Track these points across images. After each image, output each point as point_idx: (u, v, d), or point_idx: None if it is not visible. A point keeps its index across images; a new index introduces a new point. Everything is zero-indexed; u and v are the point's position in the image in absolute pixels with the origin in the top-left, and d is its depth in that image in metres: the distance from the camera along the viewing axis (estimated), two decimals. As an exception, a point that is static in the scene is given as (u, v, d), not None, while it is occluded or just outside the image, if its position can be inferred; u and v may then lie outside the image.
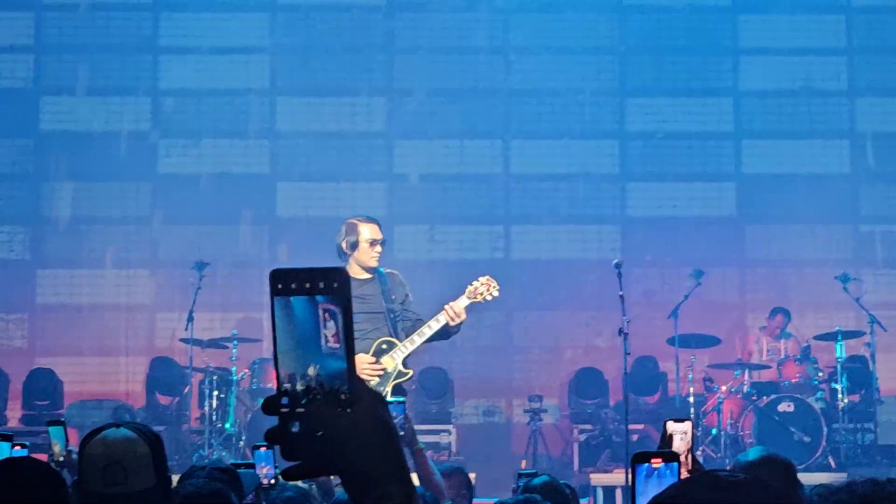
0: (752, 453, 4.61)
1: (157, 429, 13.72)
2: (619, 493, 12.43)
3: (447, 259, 15.48)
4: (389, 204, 15.64)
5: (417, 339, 8.54)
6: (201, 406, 13.50)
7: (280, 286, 1.83)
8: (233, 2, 15.79)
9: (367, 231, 8.74)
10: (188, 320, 13.19)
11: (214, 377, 13.27)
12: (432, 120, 15.77)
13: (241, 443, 12.72)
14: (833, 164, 15.79)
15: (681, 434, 4.15)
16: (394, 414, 5.90)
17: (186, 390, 13.75)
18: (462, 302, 8.48)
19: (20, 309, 15.41)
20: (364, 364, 8.44)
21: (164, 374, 14.36)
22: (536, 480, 5.69)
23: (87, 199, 15.49)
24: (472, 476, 12.23)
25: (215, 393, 13.22)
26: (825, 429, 13.02)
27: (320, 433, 1.81)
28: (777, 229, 15.70)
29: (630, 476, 3.00)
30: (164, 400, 14.35)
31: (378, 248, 8.75)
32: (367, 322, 8.56)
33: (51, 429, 5.44)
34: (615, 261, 10.71)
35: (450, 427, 14.09)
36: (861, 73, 15.87)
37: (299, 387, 1.82)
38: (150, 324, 15.39)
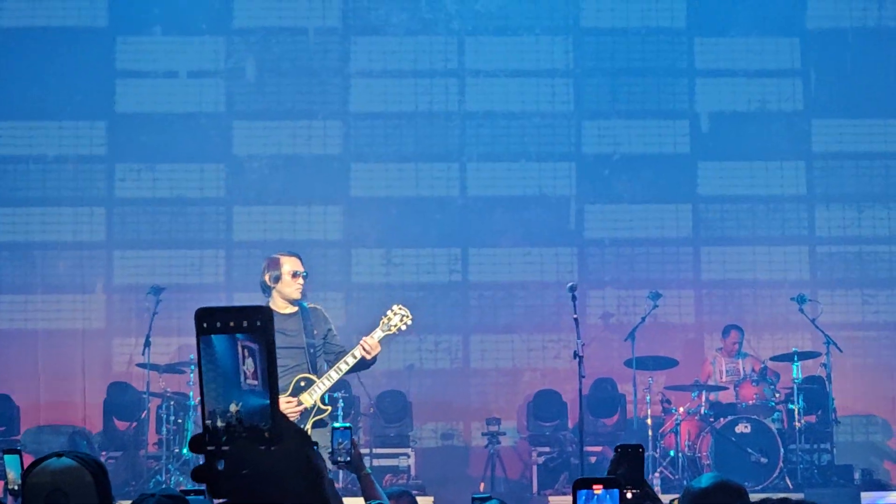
0: (705, 480, 4.59)
1: (114, 454, 13.75)
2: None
3: (404, 282, 15.48)
4: (346, 227, 15.62)
5: (335, 374, 8.79)
6: (159, 431, 13.43)
7: (205, 325, 1.82)
8: (188, 26, 15.75)
9: (289, 264, 8.97)
10: (145, 345, 13.14)
11: (172, 402, 13.22)
12: (388, 143, 15.77)
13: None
14: (789, 185, 15.86)
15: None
16: (340, 440, 5.89)
17: (144, 415, 13.66)
18: (376, 335, 8.78)
19: (-26, 336, 15.31)
20: (284, 407, 8.55)
21: (121, 400, 14.27)
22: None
23: (40, 224, 15.40)
24: (430, 499, 12.26)
25: (172, 418, 13.17)
26: (782, 450, 13.06)
27: (245, 471, 1.79)
28: (733, 251, 15.76)
29: (572, 501, 2.99)
30: (121, 425, 14.26)
31: (300, 281, 8.96)
32: (288, 357, 8.78)
33: (6, 457, 5.36)
34: (569, 284, 10.74)
35: (408, 451, 14.07)
36: (816, 94, 15.96)
37: (220, 424, 1.80)
38: (107, 349, 15.30)
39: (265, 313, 1.83)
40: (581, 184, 15.82)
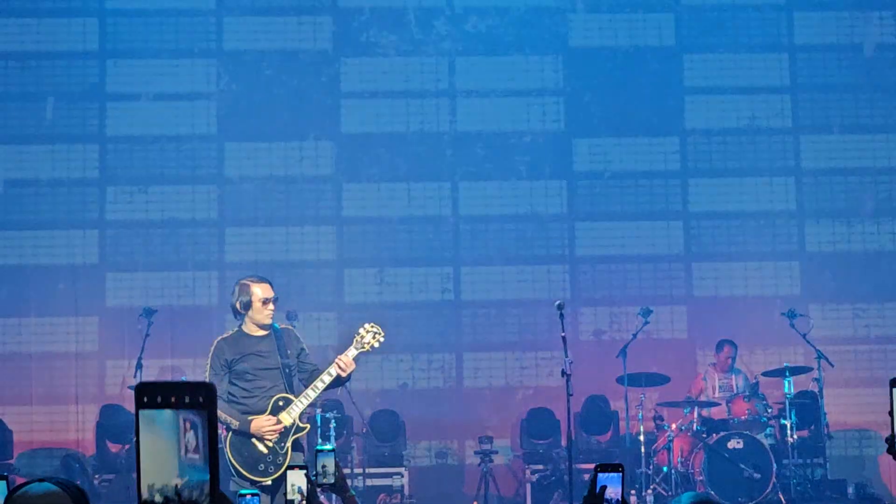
0: (685, 499, 4.65)
1: (108, 477, 13.78)
2: (570, 533, 12.45)
3: (397, 301, 15.53)
4: (338, 247, 15.67)
5: (312, 393, 9.00)
6: (151, 453, 13.43)
7: (146, 399, 1.84)
8: (179, 48, 15.81)
9: (260, 291, 9.11)
10: (137, 367, 13.16)
11: (164, 424, 13.22)
12: (380, 163, 15.82)
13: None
14: (779, 200, 15.91)
15: (611, 489, 4.23)
16: (324, 463, 5.94)
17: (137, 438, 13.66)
18: (351, 353, 8.95)
19: (-32, 359, 15.34)
20: (265, 426, 8.93)
21: (114, 422, 14.28)
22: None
23: (33, 247, 15.44)
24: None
25: (165, 440, 13.18)
26: (775, 465, 13.09)
27: None
28: (724, 266, 15.81)
29: None
30: (114, 448, 14.27)
31: (271, 307, 9.12)
32: (265, 379, 9.05)
33: None
34: (557, 302, 10.79)
35: (402, 469, 14.09)
36: (804, 110, 16.03)
37: (158, 498, 1.81)
38: (100, 371, 15.33)
39: (210, 390, 1.85)
40: (572, 201, 15.87)
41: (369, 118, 15.92)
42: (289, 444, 9.02)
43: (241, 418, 9.01)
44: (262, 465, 9.05)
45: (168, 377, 14.49)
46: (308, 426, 9.22)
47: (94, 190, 15.61)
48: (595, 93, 16.02)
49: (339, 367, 8.90)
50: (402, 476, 14.02)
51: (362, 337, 9.06)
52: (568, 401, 10.26)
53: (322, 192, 15.77)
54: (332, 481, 5.89)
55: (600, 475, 4.26)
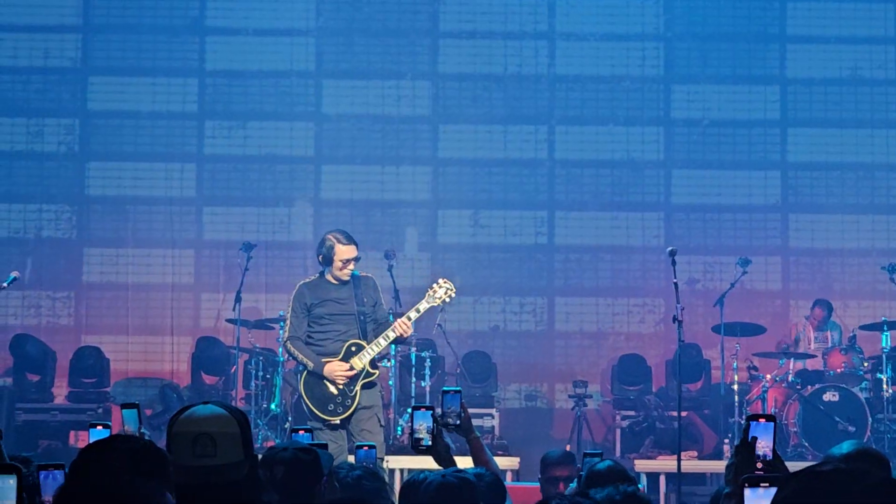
0: (846, 446, 4.60)
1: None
2: (662, 480, 12.44)
3: (491, 244, 15.53)
4: (433, 188, 15.66)
5: (383, 341, 9.87)
6: (247, 387, 13.56)
7: None
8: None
9: (343, 252, 9.88)
10: (236, 301, 13.22)
11: (260, 358, 13.34)
12: (477, 105, 15.77)
13: (287, 424, 12.74)
14: (880, 153, 15.72)
15: (762, 440, 4.13)
16: (450, 404, 5.97)
17: (233, 370, 13.79)
18: (422, 305, 9.82)
19: (67, 287, 15.49)
20: (337, 370, 9.74)
21: (209, 354, 14.40)
22: (601, 465, 5.73)
23: (132, 179, 15.55)
24: (515, 460, 12.33)
25: (261, 373, 13.29)
26: (870, 419, 13.00)
27: None
28: (822, 218, 15.66)
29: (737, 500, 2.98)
30: (209, 380, 14.40)
31: (350, 267, 9.89)
32: (341, 324, 9.91)
33: (124, 412, 5.36)
34: (669, 248, 10.73)
35: (493, 411, 14.11)
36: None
37: None
38: (195, 304, 15.46)
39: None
40: (669, 149, 15.77)
41: (467, 59, 15.86)
42: (358, 387, 9.79)
43: (316, 360, 9.78)
44: (331, 405, 9.79)
45: (263, 312, 14.59)
46: (377, 372, 10.00)
47: (192, 124, 15.69)
48: (695, 39, 15.86)
49: (399, 331, 9.73)
50: (493, 417, 14.04)
51: (434, 291, 9.85)
52: (679, 347, 10.22)
53: (418, 132, 15.76)
54: (458, 422, 5.91)
55: (752, 424, 4.15)
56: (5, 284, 12.56)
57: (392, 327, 9.75)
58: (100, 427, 4.98)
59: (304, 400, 9.84)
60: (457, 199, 15.62)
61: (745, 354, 13.85)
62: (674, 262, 10.48)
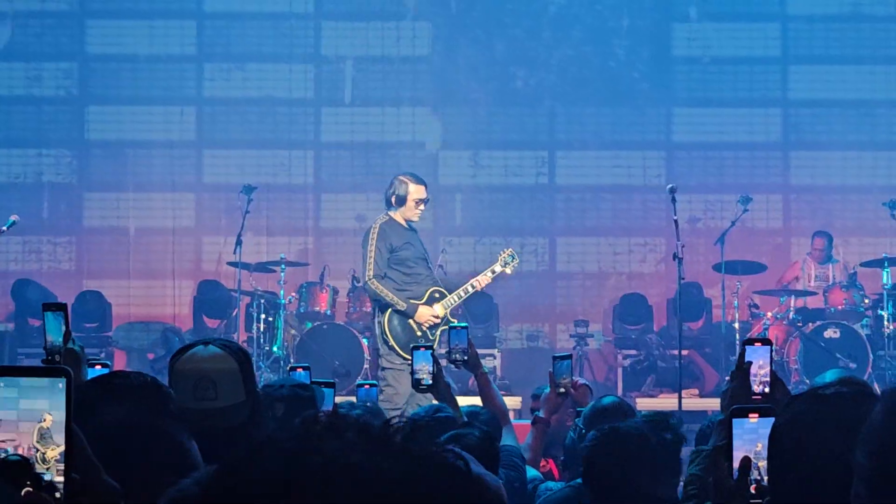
0: (829, 375, 4.63)
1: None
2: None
3: (491, 184, 15.51)
4: (434, 129, 15.61)
5: (456, 298, 10.06)
6: (249, 329, 13.57)
7: None
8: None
9: (416, 193, 9.97)
10: (237, 244, 13.18)
11: (262, 301, 13.33)
12: (477, 44, 15.70)
13: (289, 366, 12.74)
14: (881, 89, 15.67)
15: (759, 361, 4.12)
16: (457, 340, 6.01)
17: (234, 313, 13.79)
18: (496, 268, 10.06)
19: (68, 232, 15.49)
20: (426, 314, 9.78)
21: (211, 297, 14.41)
22: (605, 400, 5.76)
23: (131, 122, 15.51)
24: (517, 399, 12.36)
25: (263, 316, 13.29)
26: (871, 355, 13.03)
27: None
28: (823, 155, 15.63)
29: (726, 431, 2.95)
30: (211, 323, 14.41)
31: (422, 207, 10.03)
32: (421, 266, 9.98)
33: (46, 314, 4.25)
34: (669, 186, 10.72)
35: (494, 351, 14.12)
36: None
37: None
38: (197, 247, 15.46)
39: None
40: (670, 87, 15.71)
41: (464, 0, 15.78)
42: (438, 332, 9.85)
43: (407, 302, 9.79)
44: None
45: (264, 254, 14.58)
46: (455, 321, 9.77)
47: (191, 66, 15.63)
48: (695, -24, 15.78)
49: (478, 285, 10.05)
50: (495, 358, 14.05)
51: (503, 258, 10.06)
52: (679, 285, 10.23)
53: (418, 73, 15.69)
54: (465, 358, 5.94)
55: (748, 348, 4.13)
56: (5, 228, 12.55)
57: (471, 282, 10.01)
58: (98, 366, 4.91)
59: (387, 337, 9.78)
60: (457, 139, 15.58)
61: (746, 293, 13.86)
62: (674, 200, 10.47)
